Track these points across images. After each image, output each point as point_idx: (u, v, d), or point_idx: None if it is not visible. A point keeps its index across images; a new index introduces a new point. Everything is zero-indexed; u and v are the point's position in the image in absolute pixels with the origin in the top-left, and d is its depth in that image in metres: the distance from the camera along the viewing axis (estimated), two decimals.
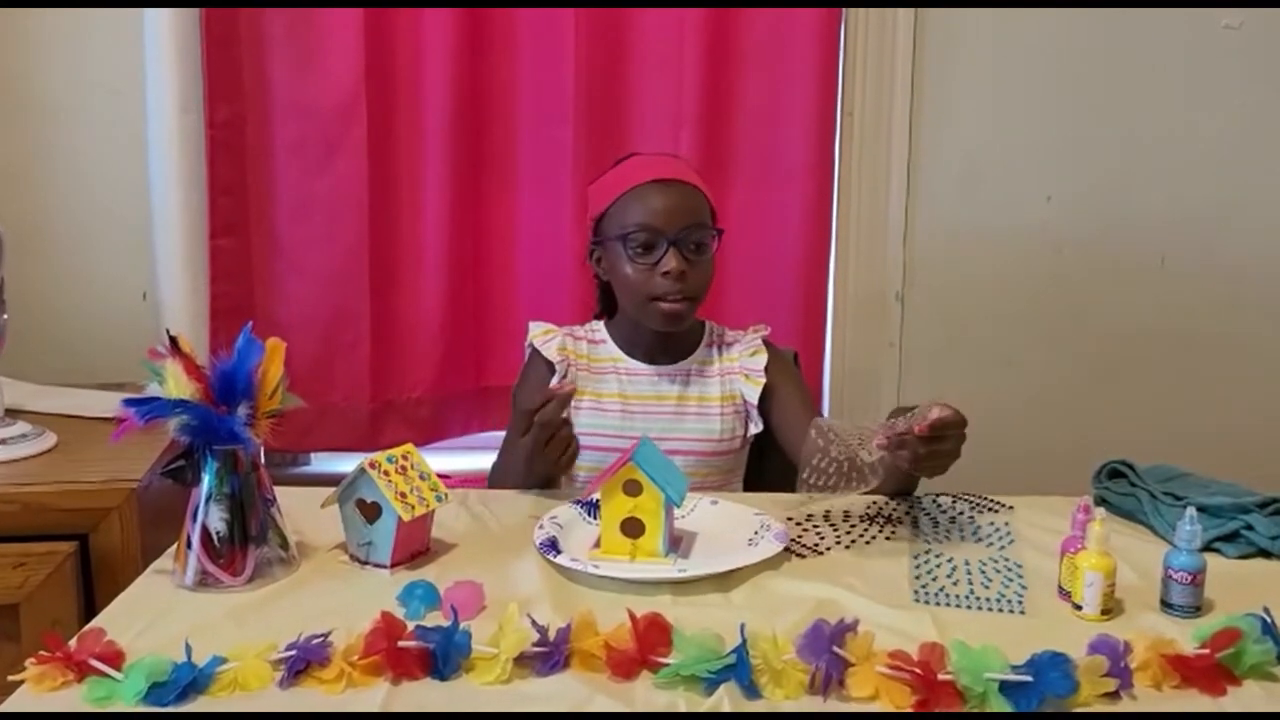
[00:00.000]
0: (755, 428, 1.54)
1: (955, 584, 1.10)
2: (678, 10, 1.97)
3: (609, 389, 1.54)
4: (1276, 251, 2.21)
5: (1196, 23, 2.12)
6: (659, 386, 1.54)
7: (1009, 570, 1.13)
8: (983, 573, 1.13)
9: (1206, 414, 2.23)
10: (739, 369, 1.55)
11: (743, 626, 0.91)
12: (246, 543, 1.08)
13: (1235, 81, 2.15)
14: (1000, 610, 1.04)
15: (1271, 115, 2.17)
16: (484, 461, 1.68)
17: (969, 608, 1.04)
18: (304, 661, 0.90)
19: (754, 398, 1.52)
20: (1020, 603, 1.05)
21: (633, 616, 0.93)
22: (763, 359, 1.54)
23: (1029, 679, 0.86)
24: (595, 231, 1.53)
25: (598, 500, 1.15)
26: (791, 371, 1.61)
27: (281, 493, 1.15)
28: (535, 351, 1.56)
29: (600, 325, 1.61)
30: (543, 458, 1.30)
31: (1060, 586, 1.06)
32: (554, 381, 1.52)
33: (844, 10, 2.03)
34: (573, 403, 1.52)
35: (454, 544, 1.19)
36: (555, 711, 0.86)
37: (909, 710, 0.86)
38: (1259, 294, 2.23)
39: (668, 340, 1.54)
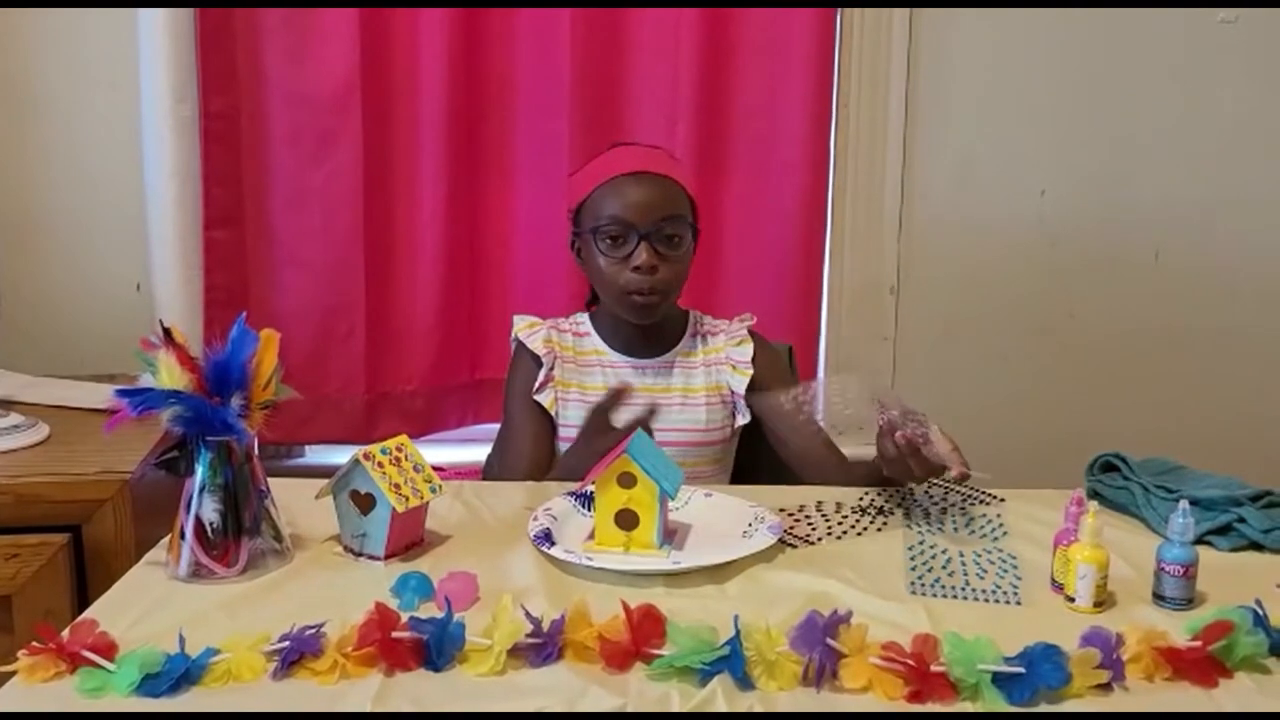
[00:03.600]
0: (742, 418, 1.54)
1: (951, 575, 1.10)
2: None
3: (594, 381, 1.54)
4: (1270, 246, 2.22)
5: (1191, 17, 2.12)
6: (644, 378, 1.54)
7: (1004, 561, 1.14)
8: (977, 564, 1.13)
9: (1199, 407, 2.24)
10: (724, 359, 1.55)
11: (736, 618, 0.91)
12: (240, 534, 1.08)
13: (1230, 76, 2.15)
14: (997, 601, 1.04)
15: (1266, 110, 2.17)
16: (479, 454, 1.68)
17: (965, 599, 1.05)
18: (297, 652, 0.89)
19: (740, 388, 1.52)
20: (1016, 593, 1.06)
21: (627, 608, 0.93)
22: (749, 349, 1.54)
23: (1021, 670, 0.86)
24: (574, 223, 1.52)
25: (592, 492, 1.15)
26: (780, 365, 1.61)
27: (275, 484, 1.14)
28: (521, 345, 1.56)
29: (585, 318, 1.60)
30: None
31: (1053, 579, 1.07)
32: (541, 374, 1.52)
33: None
34: (560, 396, 1.53)
35: (448, 535, 1.19)
36: (549, 711, 0.86)
37: (902, 701, 0.86)
38: (1252, 288, 2.23)
39: (649, 332, 1.54)
